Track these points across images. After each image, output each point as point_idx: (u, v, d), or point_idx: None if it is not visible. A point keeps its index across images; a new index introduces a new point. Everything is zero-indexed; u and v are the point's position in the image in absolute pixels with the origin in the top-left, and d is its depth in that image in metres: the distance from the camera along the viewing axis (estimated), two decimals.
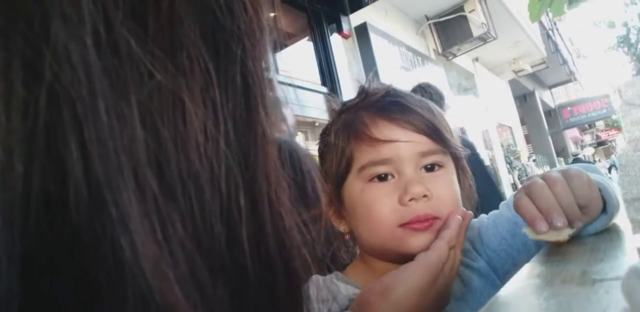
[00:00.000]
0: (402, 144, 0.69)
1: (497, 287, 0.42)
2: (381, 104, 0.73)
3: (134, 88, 0.18)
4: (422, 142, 0.70)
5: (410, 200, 0.67)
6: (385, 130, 0.70)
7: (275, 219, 0.23)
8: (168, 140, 0.18)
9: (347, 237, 0.79)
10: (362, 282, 0.72)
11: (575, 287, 0.37)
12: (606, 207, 0.61)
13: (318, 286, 0.73)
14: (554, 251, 0.55)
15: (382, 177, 0.70)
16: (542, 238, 0.56)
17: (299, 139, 4.18)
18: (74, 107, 0.16)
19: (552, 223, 0.56)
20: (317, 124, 4.23)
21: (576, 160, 7.72)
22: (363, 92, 0.77)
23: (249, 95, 0.23)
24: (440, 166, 0.72)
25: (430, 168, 0.72)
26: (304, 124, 4.24)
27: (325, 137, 0.78)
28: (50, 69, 0.16)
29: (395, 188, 0.69)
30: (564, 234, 0.55)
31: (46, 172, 0.16)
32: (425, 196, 0.68)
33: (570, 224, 0.56)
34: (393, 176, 0.70)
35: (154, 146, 0.18)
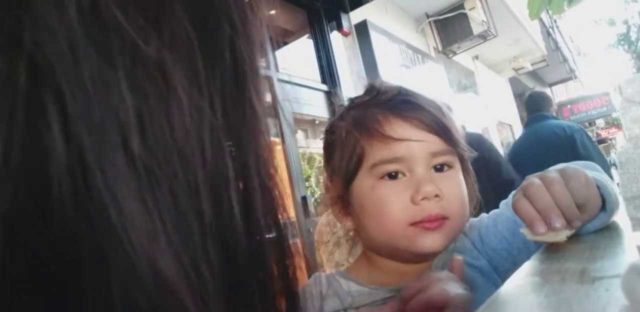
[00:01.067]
0: (415, 143, 0.69)
1: (498, 286, 0.42)
2: (393, 102, 0.73)
3: (120, 57, 0.17)
4: (434, 142, 0.71)
5: (422, 199, 0.68)
6: (398, 128, 0.70)
7: (267, 196, 0.23)
8: (154, 109, 0.18)
9: (351, 234, 0.80)
10: (364, 279, 0.74)
11: (575, 285, 0.37)
12: (605, 205, 0.60)
13: (320, 282, 0.74)
14: (553, 249, 0.55)
15: (392, 175, 0.70)
16: (540, 239, 0.56)
17: (299, 136, 4.18)
18: (55, 76, 0.15)
19: (551, 224, 0.55)
20: (317, 121, 4.23)
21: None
22: (373, 90, 0.77)
23: (238, 73, 0.23)
24: (450, 167, 0.73)
25: (439, 168, 0.72)
26: (304, 122, 4.23)
27: (332, 133, 0.77)
28: (31, 37, 0.15)
29: (407, 187, 0.69)
30: (562, 235, 0.55)
31: (27, 147, 0.15)
32: (437, 195, 0.68)
33: (568, 224, 0.56)
34: (404, 175, 0.70)
35: (139, 114, 0.18)
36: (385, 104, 0.73)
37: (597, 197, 0.60)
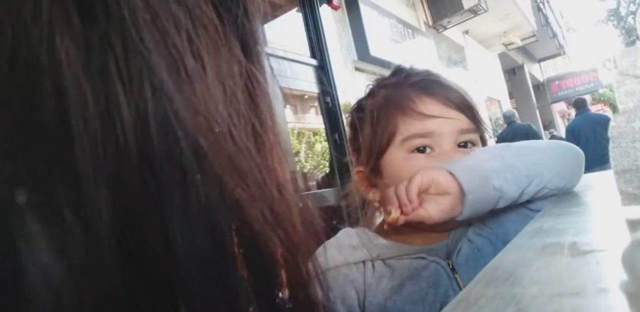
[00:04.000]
0: (444, 120, 0.76)
1: None
2: (424, 82, 0.80)
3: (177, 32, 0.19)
4: (461, 120, 0.77)
5: None
6: (431, 106, 0.76)
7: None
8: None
9: (377, 205, 0.84)
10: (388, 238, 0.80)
11: (566, 259, 0.37)
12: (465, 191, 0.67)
13: (350, 234, 0.80)
14: (542, 224, 0.55)
15: (420, 150, 0.76)
16: (394, 216, 0.67)
17: (288, 111, 4.15)
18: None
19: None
20: (306, 96, 4.20)
21: (552, 137, 8.54)
22: (402, 71, 0.84)
23: (246, 50, 0.23)
24: (473, 144, 0.79)
25: (463, 145, 0.77)
26: (293, 97, 4.20)
27: (361, 111, 0.83)
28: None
29: (437, 160, 0.74)
30: (394, 214, 0.67)
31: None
32: None
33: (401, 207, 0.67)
34: (432, 149, 0.76)
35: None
36: (417, 84, 0.79)
37: (446, 183, 0.67)
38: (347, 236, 0.80)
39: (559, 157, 0.77)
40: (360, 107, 0.85)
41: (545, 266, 0.37)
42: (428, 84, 0.79)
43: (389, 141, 0.77)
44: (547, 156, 0.76)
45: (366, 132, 0.80)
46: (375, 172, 0.81)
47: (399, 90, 0.80)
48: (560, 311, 0.25)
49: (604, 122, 5.54)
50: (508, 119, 6.80)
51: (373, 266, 0.75)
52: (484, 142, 0.83)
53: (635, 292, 0.25)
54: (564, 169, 0.78)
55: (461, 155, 0.75)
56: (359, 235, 0.80)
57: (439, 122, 0.75)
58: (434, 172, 0.69)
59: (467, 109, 0.78)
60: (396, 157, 0.77)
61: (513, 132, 6.24)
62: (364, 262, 0.76)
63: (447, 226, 0.77)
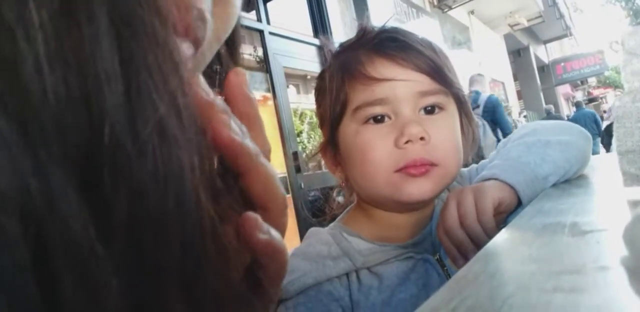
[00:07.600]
0: (400, 82, 0.65)
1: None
2: (378, 40, 0.69)
3: None
4: (422, 81, 0.66)
5: (407, 142, 0.64)
6: (382, 68, 0.66)
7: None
8: None
9: (343, 185, 0.77)
10: (369, 235, 0.71)
11: (566, 238, 0.37)
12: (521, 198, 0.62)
13: (326, 241, 0.69)
14: (543, 205, 0.55)
15: (378, 119, 0.67)
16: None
17: (291, 92, 4.13)
18: None
19: (467, 258, 0.57)
20: (308, 76, 4.18)
21: (548, 115, 9.90)
22: (361, 31, 0.73)
23: None
24: (441, 108, 0.69)
25: (430, 110, 0.68)
26: (295, 77, 4.18)
27: (321, 80, 0.74)
28: None
29: (391, 130, 0.66)
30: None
31: None
32: (422, 138, 0.64)
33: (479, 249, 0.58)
34: (390, 118, 0.67)
35: None
36: (369, 44, 0.69)
37: (512, 198, 0.62)
38: (321, 242, 0.69)
39: (586, 147, 0.74)
40: (321, 75, 0.75)
41: (545, 244, 0.37)
42: (381, 42, 0.68)
43: (342, 112, 0.69)
44: (580, 150, 0.72)
45: (324, 102, 0.72)
46: (335, 148, 0.73)
47: (352, 52, 0.70)
48: (559, 288, 0.25)
49: (592, 116, 8.97)
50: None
51: (358, 277, 0.66)
52: (463, 106, 0.73)
53: (635, 267, 0.25)
54: (588, 158, 0.76)
55: (427, 122, 0.66)
56: (337, 240, 0.69)
57: (393, 85, 0.65)
58: (501, 191, 0.62)
59: (429, 68, 0.66)
60: (348, 131, 0.69)
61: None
62: (347, 274, 0.66)
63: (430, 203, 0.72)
